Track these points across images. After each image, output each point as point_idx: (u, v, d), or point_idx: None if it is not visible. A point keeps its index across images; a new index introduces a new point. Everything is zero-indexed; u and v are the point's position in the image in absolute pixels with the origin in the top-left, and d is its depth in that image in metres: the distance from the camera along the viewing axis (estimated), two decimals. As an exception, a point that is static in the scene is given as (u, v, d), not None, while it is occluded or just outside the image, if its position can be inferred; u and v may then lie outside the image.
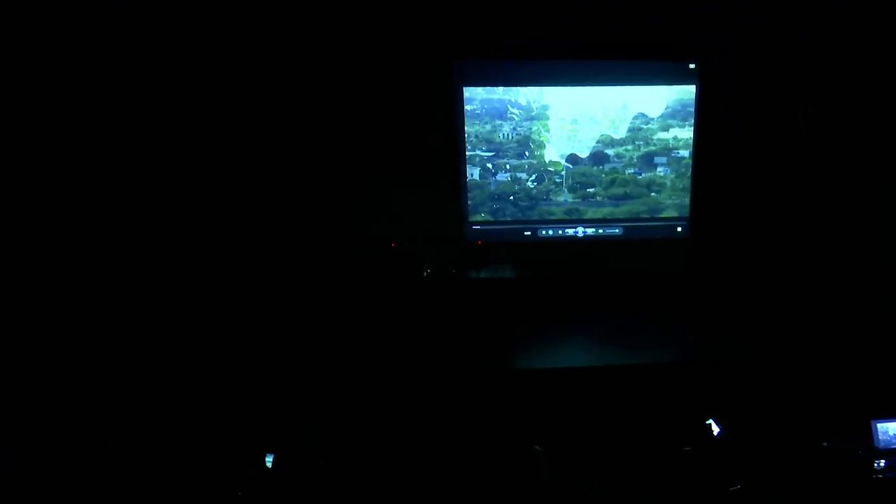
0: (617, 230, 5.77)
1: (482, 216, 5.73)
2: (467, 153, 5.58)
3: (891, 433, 3.51)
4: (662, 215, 5.77)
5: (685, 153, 5.65)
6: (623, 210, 5.75)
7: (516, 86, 5.45)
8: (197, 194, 5.06)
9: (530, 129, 5.61)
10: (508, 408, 4.04)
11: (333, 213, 5.43)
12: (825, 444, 3.51)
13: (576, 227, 5.77)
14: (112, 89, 4.59)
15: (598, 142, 5.67)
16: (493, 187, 5.70)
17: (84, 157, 4.46)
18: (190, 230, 5.02)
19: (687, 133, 5.60)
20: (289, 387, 4.12)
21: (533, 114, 5.56)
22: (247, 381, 4.14)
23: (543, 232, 5.77)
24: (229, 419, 3.71)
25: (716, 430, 3.65)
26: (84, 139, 4.47)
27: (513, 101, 5.52)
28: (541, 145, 5.64)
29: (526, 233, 5.76)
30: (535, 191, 5.71)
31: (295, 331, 4.85)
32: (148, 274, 4.73)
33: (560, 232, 5.77)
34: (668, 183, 5.73)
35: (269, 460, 3.26)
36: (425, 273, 4.89)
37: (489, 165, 5.65)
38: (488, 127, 5.57)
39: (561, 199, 5.74)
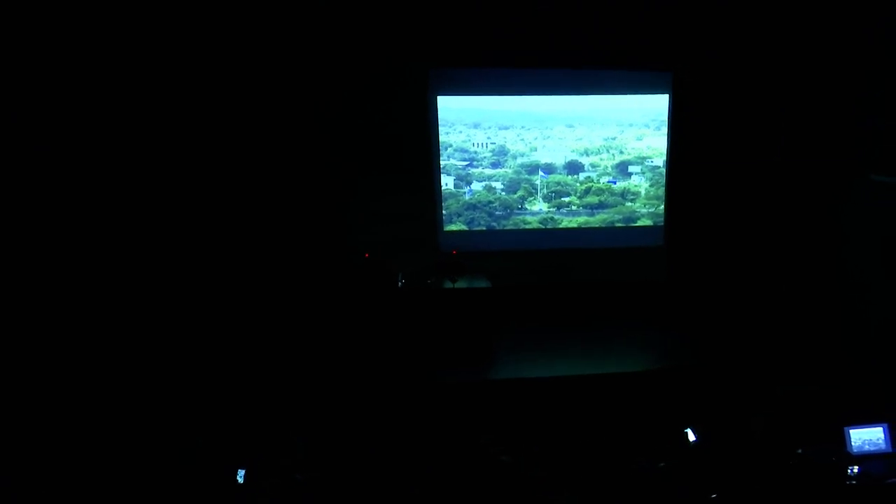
0: (593, 239, 5.75)
1: (456, 226, 5.68)
2: (441, 162, 5.53)
3: (864, 440, 3.53)
4: (637, 224, 5.77)
5: (659, 162, 5.68)
6: (598, 219, 5.75)
7: (491, 94, 5.43)
8: (170, 207, 4.93)
9: (505, 138, 5.59)
10: (485, 419, 3.98)
11: (304, 223, 5.33)
12: (800, 451, 3.51)
13: (551, 237, 5.73)
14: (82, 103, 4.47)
15: (572, 150, 5.66)
16: (467, 196, 5.66)
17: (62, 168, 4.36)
18: (162, 245, 4.88)
19: (661, 142, 5.62)
20: (263, 401, 4.03)
21: (507, 123, 5.54)
22: (220, 394, 4.06)
23: (519, 241, 5.72)
24: (202, 432, 3.62)
25: (692, 438, 3.64)
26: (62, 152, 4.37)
27: (488, 109, 5.49)
28: (516, 154, 5.63)
29: (501, 242, 5.71)
30: (509, 200, 5.68)
31: (267, 344, 4.74)
32: (109, 290, 4.56)
33: (535, 241, 5.73)
34: (643, 192, 5.75)
35: (240, 475, 3.19)
36: (400, 283, 4.82)
37: (464, 174, 5.61)
38: (462, 136, 5.55)
39: (536, 208, 5.72)
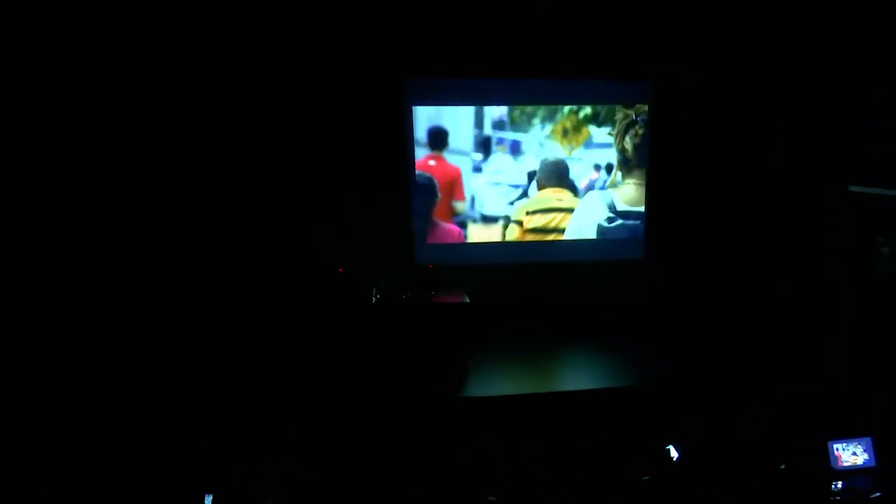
0: (572, 251, 5.69)
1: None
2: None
3: (847, 455, 3.51)
4: (617, 237, 5.74)
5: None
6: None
7: (469, 104, 5.35)
8: (136, 216, 4.75)
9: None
10: (463, 438, 3.87)
11: (275, 237, 5.16)
12: (783, 466, 3.48)
13: (532, 249, 5.65)
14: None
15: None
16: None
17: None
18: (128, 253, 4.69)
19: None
20: (229, 424, 3.87)
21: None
22: (185, 417, 3.90)
23: (499, 254, 5.63)
24: (167, 456, 3.54)
25: (675, 455, 3.60)
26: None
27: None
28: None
29: (480, 255, 5.62)
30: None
31: (236, 363, 4.56)
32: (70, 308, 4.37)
33: (516, 253, 5.64)
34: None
35: (207, 501, 3.11)
36: (374, 298, 4.70)
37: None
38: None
39: (515, 220, 5.65)
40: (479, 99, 5.34)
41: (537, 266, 5.64)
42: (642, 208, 5.65)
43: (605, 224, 5.66)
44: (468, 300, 4.69)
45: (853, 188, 4.19)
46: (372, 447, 3.73)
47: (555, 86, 5.38)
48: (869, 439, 3.51)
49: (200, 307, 4.83)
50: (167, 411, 3.93)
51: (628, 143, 5.52)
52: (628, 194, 5.63)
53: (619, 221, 5.66)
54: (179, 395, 4.10)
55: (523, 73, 5.25)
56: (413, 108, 5.27)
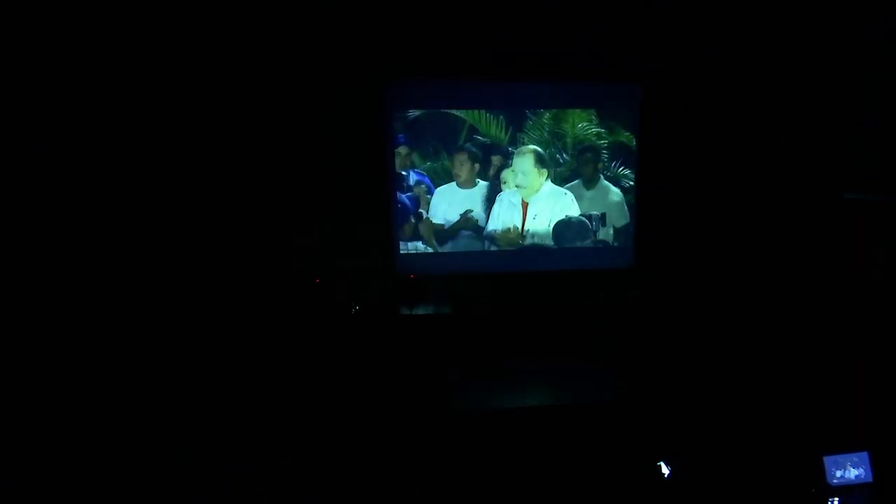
0: (559, 260, 5.56)
1: (415, 247, 5.42)
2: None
3: (843, 469, 3.41)
4: (608, 245, 5.62)
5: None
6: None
7: (451, 108, 5.22)
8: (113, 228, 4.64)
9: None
10: (446, 454, 3.74)
11: (249, 246, 4.99)
12: (776, 481, 3.37)
13: (516, 257, 5.53)
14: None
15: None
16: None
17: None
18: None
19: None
20: (204, 441, 3.77)
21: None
22: (156, 433, 3.82)
23: (482, 263, 5.50)
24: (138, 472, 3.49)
25: (666, 471, 3.48)
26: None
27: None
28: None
29: (462, 264, 5.48)
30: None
31: (213, 378, 4.43)
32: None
33: (500, 263, 5.51)
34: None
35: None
36: (353, 310, 4.56)
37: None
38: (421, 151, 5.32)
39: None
40: (461, 102, 5.21)
41: (522, 275, 5.51)
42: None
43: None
44: (451, 311, 4.58)
45: (847, 195, 4.13)
46: (349, 464, 3.60)
47: (538, 89, 5.27)
48: (865, 454, 3.41)
49: (179, 313, 4.70)
50: (142, 425, 3.84)
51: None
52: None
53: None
54: (155, 408, 4.02)
55: (504, 76, 5.15)
56: (392, 111, 5.13)
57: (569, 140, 5.38)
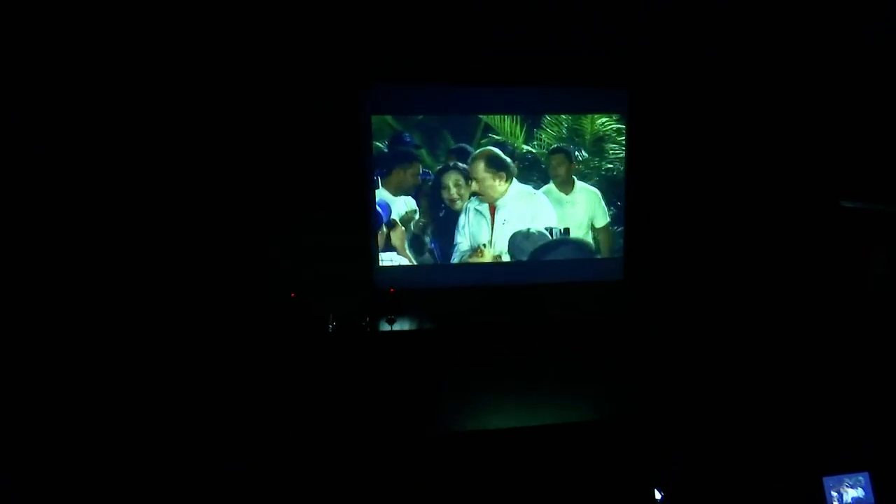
0: (548, 272, 5.41)
1: (394, 259, 5.23)
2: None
3: (843, 490, 3.28)
4: (595, 257, 5.49)
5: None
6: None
7: (433, 114, 5.08)
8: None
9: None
10: (428, 479, 3.54)
11: (222, 258, 4.81)
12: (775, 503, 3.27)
13: (502, 271, 5.36)
14: None
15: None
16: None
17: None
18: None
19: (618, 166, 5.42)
20: (174, 463, 3.56)
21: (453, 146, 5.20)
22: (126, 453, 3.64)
23: (465, 276, 5.32)
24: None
25: (658, 496, 3.33)
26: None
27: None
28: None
29: (445, 278, 5.29)
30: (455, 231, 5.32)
31: (184, 396, 4.22)
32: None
33: (485, 276, 5.35)
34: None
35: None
36: (331, 326, 4.39)
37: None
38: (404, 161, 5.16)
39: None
40: (443, 108, 5.07)
41: (507, 289, 5.35)
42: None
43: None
44: (432, 327, 4.43)
45: (844, 203, 4.05)
46: (325, 487, 3.41)
47: (524, 94, 5.14)
48: (866, 474, 3.30)
49: (145, 325, 4.54)
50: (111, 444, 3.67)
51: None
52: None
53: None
54: (123, 427, 3.84)
55: (488, 82, 5.03)
56: (371, 117, 4.98)
57: (587, 137, 5.27)
